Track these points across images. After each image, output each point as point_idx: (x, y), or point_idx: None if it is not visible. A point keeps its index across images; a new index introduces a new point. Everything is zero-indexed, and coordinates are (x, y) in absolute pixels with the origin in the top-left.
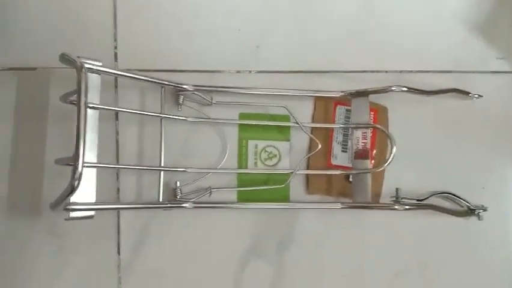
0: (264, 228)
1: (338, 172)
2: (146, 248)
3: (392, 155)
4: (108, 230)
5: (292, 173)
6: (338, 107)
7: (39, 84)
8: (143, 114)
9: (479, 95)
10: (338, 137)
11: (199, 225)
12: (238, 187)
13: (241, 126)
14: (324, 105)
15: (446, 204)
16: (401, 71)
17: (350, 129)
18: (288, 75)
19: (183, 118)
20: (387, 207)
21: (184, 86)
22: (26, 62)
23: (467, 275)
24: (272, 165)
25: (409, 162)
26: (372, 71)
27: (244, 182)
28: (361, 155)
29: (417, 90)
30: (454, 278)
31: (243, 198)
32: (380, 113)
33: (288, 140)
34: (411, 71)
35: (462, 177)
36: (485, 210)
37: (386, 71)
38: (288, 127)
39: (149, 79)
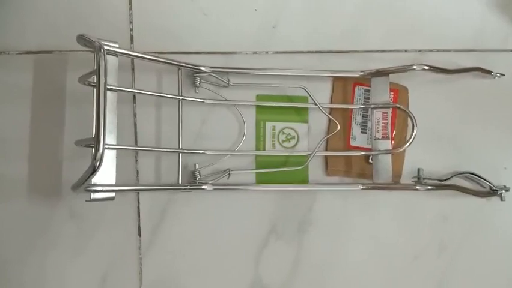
0: (283, 210)
1: (357, 153)
2: (167, 229)
3: (414, 135)
4: (128, 212)
5: (311, 154)
6: (357, 87)
7: (56, 67)
8: (161, 96)
9: (501, 73)
10: (356, 118)
11: (218, 207)
12: (256, 169)
13: (258, 108)
14: (343, 86)
15: (468, 184)
16: (420, 50)
17: (369, 109)
18: (306, 56)
19: (201, 100)
20: (409, 187)
21: (201, 68)
22: (42, 46)
23: (488, 258)
24: (290, 147)
25: (430, 143)
26: (391, 51)
27: (263, 164)
28: (381, 135)
29: (438, 68)
30: (474, 260)
31: (262, 180)
32: (400, 93)
33: (306, 121)
34: (431, 50)
35: (484, 157)
36: (507, 190)
37: (406, 50)
38: (306, 108)
39: (167, 61)
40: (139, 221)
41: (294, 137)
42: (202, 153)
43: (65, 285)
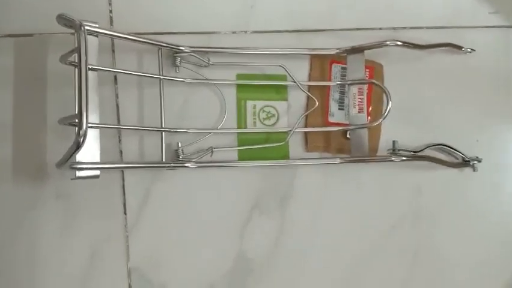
0: (265, 185)
1: (336, 129)
2: (152, 207)
3: (388, 109)
4: (114, 191)
5: (290, 131)
6: (334, 65)
7: (37, 50)
8: (142, 76)
9: (471, 49)
10: (334, 94)
11: (201, 185)
12: (238, 147)
13: (239, 86)
14: (320, 64)
15: (442, 156)
16: (394, 28)
17: (346, 86)
18: (284, 35)
19: (181, 80)
20: (384, 159)
21: (181, 48)
22: (22, 28)
23: (462, 226)
24: (271, 125)
25: (405, 117)
26: (366, 29)
27: (244, 141)
28: (357, 110)
29: (411, 44)
30: (448, 229)
31: (244, 157)
32: (375, 69)
33: (286, 99)
34: (404, 28)
35: (456, 130)
36: (479, 161)
37: (380, 28)
38: (285, 86)
39: (147, 40)
40: (124, 199)
41: (274, 115)
42: (185, 131)
43: (54, 263)
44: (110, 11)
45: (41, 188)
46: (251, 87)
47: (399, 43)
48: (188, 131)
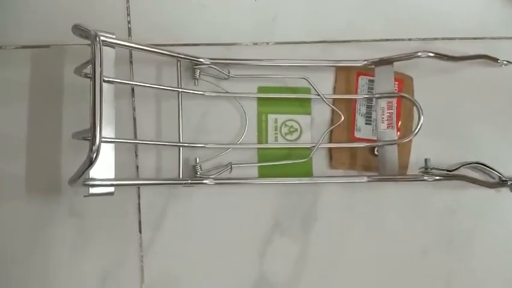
0: (287, 204)
1: (363, 144)
2: (168, 226)
3: (420, 124)
4: (129, 208)
5: (314, 147)
6: (361, 77)
7: (53, 62)
8: (160, 88)
9: (508, 61)
10: (361, 108)
11: (220, 202)
12: (258, 163)
13: (260, 100)
14: (346, 76)
15: (477, 175)
16: (424, 39)
17: (373, 99)
18: (307, 46)
19: (201, 93)
20: (416, 178)
21: (201, 60)
22: (39, 40)
23: (498, 251)
24: (293, 140)
25: (436, 133)
26: (394, 39)
27: (265, 157)
28: (386, 126)
29: (444, 55)
30: (484, 254)
31: (264, 174)
32: (404, 82)
33: (309, 113)
34: (435, 39)
35: (492, 147)
36: None
37: (409, 39)
38: (309, 100)
39: (165, 52)
40: (139, 217)
41: (296, 129)
42: (203, 147)
43: (67, 283)
44: (129, 22)
45: (55, 205)
46: (273, 101)
47: (431, 54)
48: (207, 146)
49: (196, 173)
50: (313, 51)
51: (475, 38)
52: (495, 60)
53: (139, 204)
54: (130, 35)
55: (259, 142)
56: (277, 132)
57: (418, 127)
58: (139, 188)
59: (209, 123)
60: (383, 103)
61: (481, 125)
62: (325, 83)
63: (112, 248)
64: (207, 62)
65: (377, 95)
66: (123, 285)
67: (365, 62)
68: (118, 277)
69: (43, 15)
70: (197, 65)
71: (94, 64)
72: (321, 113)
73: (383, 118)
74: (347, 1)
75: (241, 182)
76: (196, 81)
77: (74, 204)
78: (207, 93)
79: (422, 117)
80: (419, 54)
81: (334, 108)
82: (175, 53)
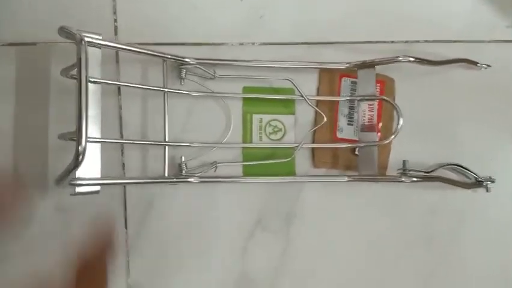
0: (270, 202)
1: (344, 145)
2: (153, 222)
3: (399, 127)
4: (115, 205)
5: (297, 146)
6: (343, 79)
7: (40, 59)
8: (146, 88)
9: (487, 65)
10: (343, 109)
11: (205, 200)
12: (243, 162)
13: (245, 100)
14: (329, 78)
15: (454, 176)
16: (407, 41)
17: (355, 101)
18: (292, 47)
19: (186, 92)
20: (394, 179)
21: (186, 60)
22: (25, 37)
23: (477, 249)
24: (277, 140)
25: (416, 135)
26: (378, 42)
27: (250, 156)
28: (367, 127)
29: (424, 60)
30: (463, 252)
31: (249, 172)
32: (386, 84)
33: (293, 113)
34: (417, 41)
35: (470, 149)
36: (492, 181)
37: (392, 41)
38: (293, 100)
39: (152, 52)
40: (125, 214)
41: (281, 129)
42: (188, 145)
43: (52, 278)
44: (115, 20)
45: (41, 201)
46: (258, 101)
47: (411, 59)
48: (192, 145)
49: (182, 171)
50: (298, 52)
51: (457, 41)
52: (474, 63)
53: (125, 201)
54: (116, 33)
55: (244, 141)
56: (262, 132)
57: (398, 129)
58: (125, 186)
59: (195, 123)
60: (364, 105)
61: (460, 127)
62: (309, 84)
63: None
64: (193, 62)
65: (359, 98)
66: (109, 280)
67: (348, 65)
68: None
69: (30, 13)
70: (183, 64)
71: (80, 68)
72: (305, 113)
73: (364, 120)
74: (331, 3)
75: (226, 181)
76: (182, 80)
77: (61, 200)
78: (192, 93)
79: (401, 120)
80: (400, 58)
81: (317, 109)
82: (161, 53)
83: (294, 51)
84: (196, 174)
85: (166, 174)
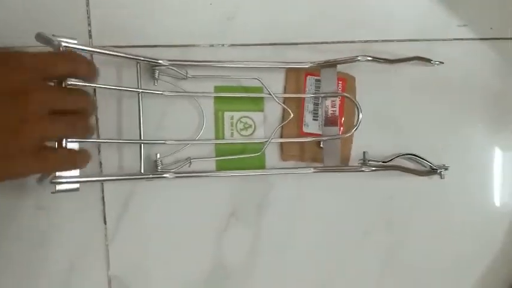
0: (242, 195)
1: (309, 139)
2: (131, 217)
3: (359, 121)
4: (94, 202)
5: (267, 141)
6: (308, 77)
7: None
8: (121, 89)
9: (440, 61)
10: (308, 106)
11: (180, 195)
12: (216, 157)
13: (216, 98)
14: (295, 76)
15: (411, 165)
16: (366, 41)
17: (319, 98)
18: (260, 48)
19: (160, 92)
20: (355, 169)
21: (160, 61)
22: (1, 42)
23: (432, 231)
24: (248, 135)
25: (376, 128)
26: (339, 42)
27: (222, 152)
28: (330, 122)
29: (381, 59)
30: (419, 234)
31: (222, 167)
32: (348, 82)
33: (262, 110)
34: (376, 41)
35: (425, 139)
36: (446, 169)
37: (353, 41)
38: (262, 98)
39: (126, 55)
40: (104, 210)
41: (251, 126)
42: (163, 143)
43: (33, 275)
44: (89, 24)
45: (21, 199)
46: (229, 99)
47: (369, 58)
48: (167, 142)
49: (157, 168)
50: (265, 52)
51: (412, 40)
52: (428, 60)
53: (103, 198)
54: (90, 37)
55: (217, 138)
56: (233, 128)
57: (358, 124)
58: (102, 183)
59: (169, 121)
60: (327, 102)
61: (416, 120)
62: (276, 83)
63: (78, 239)
64: (166, 63)
65: (322, 95)
66: (90, 273)
67: (311, 64)
68: (84, 266)
69: (3, 17)
70: (156, 65)
71: None
72: (273, 110)
73: (327, 115)
74: (298, 4)
75: (200, 175)
76: (155, 81)
77: (41, 197)
78: (166, 93)
79: (361, 115)
80: (359, 58)
81: (284, 106)
82: (135, 55)
83: (262, 52)
84: (171, 170)
85: (142, 171)
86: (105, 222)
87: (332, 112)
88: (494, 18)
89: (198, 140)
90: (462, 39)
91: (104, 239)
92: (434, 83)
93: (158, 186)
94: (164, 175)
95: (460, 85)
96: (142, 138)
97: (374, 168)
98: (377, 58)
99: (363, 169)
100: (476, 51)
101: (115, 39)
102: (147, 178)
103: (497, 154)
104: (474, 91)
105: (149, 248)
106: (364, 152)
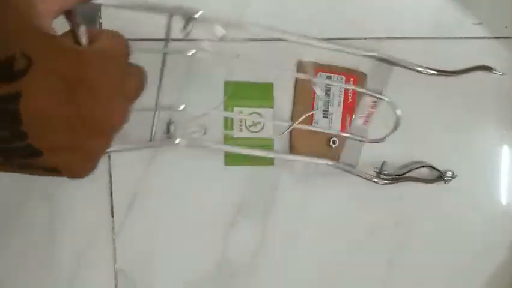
0: (250, 191)
1: (346, 135)
2: (139, 210)
3: (398, 124)
4: (101, 193)
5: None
6: (319, 74)
7: None
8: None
9: (502, 73)
10: (319, 103)
11: (187, 190)
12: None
13: (226, 94)
14: (305, 72)
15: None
16: (379, 38)
17: (330, 95)
18: (271, 43)
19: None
20: (369, 178)
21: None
22: None
23: (438, 233)
24: (257, 131)
25: (384, 128)
26: (349, 38)
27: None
28: (364, 121)
29: (444, 72)
30: (425, 235)
31: (230, 162)
32: (359, 79)
33: (272, 106)
34: (388, 38)
35: (435, 139)
36: (453, 177)
37: (365, 38)
38: (272, 94)
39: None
40: (111, 201)
41: (260, 122)
42: (181, 110)
43: (40, 267)
44: None
45: (27, 191)
46: (239, 95)
47: (435, 72)
48: (181, 109)
49: (169, 132)
50: (275, 49)
51: (426, 38)
52: (489, 69)
53: (110, 189)
54: None
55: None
56: (242, 124)
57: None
58: (110, 175)
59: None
60: (368, 100)
61: (428, 119)
62: (287, 79)
63: (85, 232)
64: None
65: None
66: (97, 265)
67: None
68: (91, 259)
69: None
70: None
71: None
72: (282, 106)
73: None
74: (307, 2)
75: (213, 147)
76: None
77: (47, 188)
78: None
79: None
80: (421, 70)
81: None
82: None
83: (272, 48)
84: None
85: (154, 140)
86: (112, 215)
87: (368, 112)
88: (509, 16)
89: (215, 109)
90: (476, 37)
91: (112, 232)
92: (446, 82)
93: (166, 180)
94: (176, 141)
95: (472, 83)
96: (158, 103)
97: (386, 182)
98: (441, 71)
99: (375, 180)
100: (490, 49)
101: None
102: (158, 145)
103: (507, 155)
104: (487, 90)
105: (155, 243)
106: (383, 162)
